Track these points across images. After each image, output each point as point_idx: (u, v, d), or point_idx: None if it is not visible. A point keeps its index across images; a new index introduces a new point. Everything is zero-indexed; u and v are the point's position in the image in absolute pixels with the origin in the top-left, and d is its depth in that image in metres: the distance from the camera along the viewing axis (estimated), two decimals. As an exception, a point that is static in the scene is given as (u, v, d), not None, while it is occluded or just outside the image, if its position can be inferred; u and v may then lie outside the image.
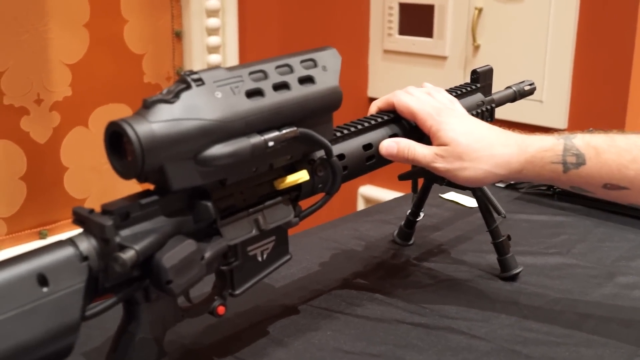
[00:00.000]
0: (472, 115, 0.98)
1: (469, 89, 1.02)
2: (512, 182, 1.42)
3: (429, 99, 0.91)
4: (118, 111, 2.04)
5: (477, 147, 0.85)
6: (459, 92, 1.00)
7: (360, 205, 2.86)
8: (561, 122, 2.24)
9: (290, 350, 0.83)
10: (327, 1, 2.56)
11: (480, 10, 2.37)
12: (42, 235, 1.95)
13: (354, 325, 0.89)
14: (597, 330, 0.88)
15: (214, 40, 2.23)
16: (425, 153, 0.87)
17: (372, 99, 2.80)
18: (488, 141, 0.86)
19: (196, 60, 2.21)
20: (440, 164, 0.86)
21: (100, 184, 2.04)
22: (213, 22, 2.23)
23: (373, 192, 2.81)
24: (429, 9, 2.51)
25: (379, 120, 0.89)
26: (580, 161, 0.83)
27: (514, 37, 2.31)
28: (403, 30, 2.63)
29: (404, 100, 0.90)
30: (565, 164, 0.83)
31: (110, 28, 2.03)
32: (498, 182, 0.92)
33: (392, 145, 0.88)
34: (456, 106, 0.93)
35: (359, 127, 0.87)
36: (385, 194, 2.61)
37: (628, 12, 2.09)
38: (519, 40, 2.31)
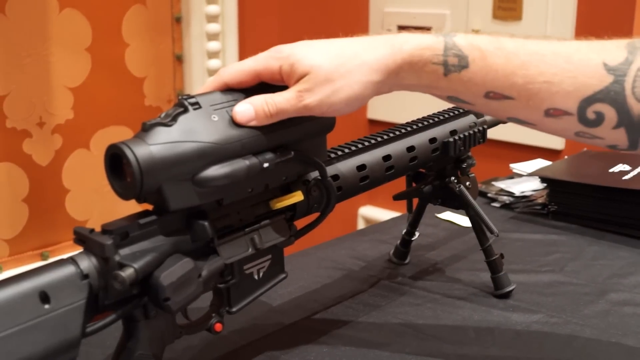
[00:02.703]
0: (465, 135, 1.01)
1: (461, 110, 1.05)
2: (505, 201, 1.43)
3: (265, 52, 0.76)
4: (119, 134, 2.06)
5: (343, 60, 0.72)
6: (451, 114, 1.02)
7: (361, 226, 2.88)
8: (558, 142, 2.26)
9: (287, 367, 0.85)
10: (326, 24, 2.59)
11: (477, 32, 2.39)
12: (44, 257, 1.97)
13: (350, 342, 0.90)
14: (588, 346, 0.90)
15: (214, 63, 2.26)
16: (288, 96, 0.72)
17: (371, 121, 2.83)
18: (352, 50, 0.73)
19: (197, 83, 2.24)
20: (309, 99, 0.71)
21: (101, 205, 2.06)
22: (213, 45, 2.26)
23: (373, 212, 2.83)
24: (427, 31, 2.54)
25: (372, 142, 0.91)
26: (463, 63, 0.72)
27: (511, 58, 2.34)
28: (401, 52, 2.65)
29: (236, 69, 0.74)
30: (447, 65, 0.73)
31: (112, 52, 2.06)
32: (380, 91, 0.75)
33: (247, 107, 0.71)
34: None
35: (353, 148, 0.89)
36: (385, 215, 2.63)
37: (622, 32, 2.12)
38: (515, 62, 2.33)
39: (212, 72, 2.26)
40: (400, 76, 0.74)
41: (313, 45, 0.74)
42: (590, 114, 0.71)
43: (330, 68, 0.71)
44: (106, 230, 0.65)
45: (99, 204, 2.06)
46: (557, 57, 0.72)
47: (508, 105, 0.73)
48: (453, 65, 0.73)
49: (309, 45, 0.74)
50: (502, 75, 0.72)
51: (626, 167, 1.38)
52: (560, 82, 0.70)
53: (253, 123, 0.71)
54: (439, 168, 1.03)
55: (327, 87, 0.71)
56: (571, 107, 0.71)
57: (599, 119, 0.71)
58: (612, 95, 0.69)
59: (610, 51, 0.71)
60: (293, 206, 0.81)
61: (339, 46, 0.74)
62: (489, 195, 1.48)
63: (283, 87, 0.73)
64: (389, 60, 0.73)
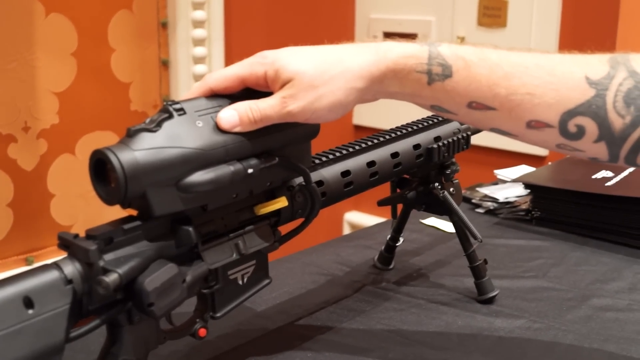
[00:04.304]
0: (449, 142, 1.01)
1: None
2: (489, 207, 1.44)
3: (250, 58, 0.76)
4: (105, 139, 2.06)
5: (327, 66, 0.72)
6: (435, 121, 1.03)
7: (346, 231, 2.88)
8: (542, 149, 2.28)
9: (271, 372, 0.85)
10: (313, 31, 2.60)
11: (462, 39, 2.41)
12: (29, 262, 1.96)
13: (334, 347, 0.91)
14: (570, 352, 0.90)
15: (200, 69, 2.27)
16: (272, 103, 0.72)
17: (357, 127, 2.84)
18: (336, 57, 0.73)
19: (183, 88, 2.24)
20: (293, 105, 0.71)
21: (86, 211, 2.05)
22: (199, 51, 2.26)
23: (359, 218, 2.83)
24: (412, 38, 2.56)
25: (357, 148, 0.92)
26: (447, 73, 0.73)
27: (496, 65, 2.35)
28: (387, 59, 2.67)
29: (221, 75, 0.74)
30: (430, 74, 0.73)
31: (98, 57, 2.06)
32: (364, 98, 0.76)
33: (231, 114, 0.71)
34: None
35: (337, 154, 0.89)
36: (370, 220, 2.64)
37: (606, 40, 2.14)
38: (500, 69, 2.34)
39: (198, 78, 2.26)
40: (384, 84, 0.74)
41: (298, 52, 0.74)
42: (571, 127, 0.71)
43: (314, 74, 0.71)
44: (90, 235, 0.65)
45: (84, 209, 2.05)
46: (540, 70, 0.72)
47: (491, 115, 0.74)
48: (437, 74, 0.73)
49: (294, 51, 0.74)
50: (485, 85, 0.72)
51: (609, 174, 1.39)
52: (542, 94, 0.71)
53: (237, 129, 0.71)
54: (423, 174, 1.04)
55: (310, 93, 0.71)
56: (553, 119, 0.72)
57: (580, 132, 0.71)
58: (594, 109, 0.70)
59: (592, 65, 0.72)
60: (277, 212, 0.81)
61: (324, 53, 0.74)
62: (473, 201, 1.49)
63: (268, 93, 0.73)
64: (373, 68, 0.73)
